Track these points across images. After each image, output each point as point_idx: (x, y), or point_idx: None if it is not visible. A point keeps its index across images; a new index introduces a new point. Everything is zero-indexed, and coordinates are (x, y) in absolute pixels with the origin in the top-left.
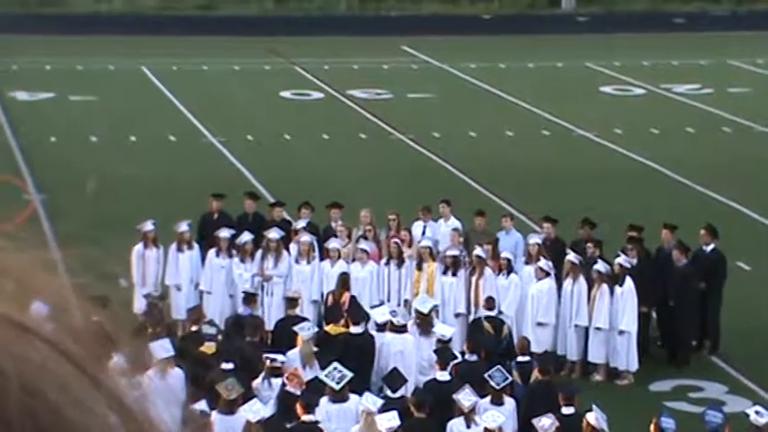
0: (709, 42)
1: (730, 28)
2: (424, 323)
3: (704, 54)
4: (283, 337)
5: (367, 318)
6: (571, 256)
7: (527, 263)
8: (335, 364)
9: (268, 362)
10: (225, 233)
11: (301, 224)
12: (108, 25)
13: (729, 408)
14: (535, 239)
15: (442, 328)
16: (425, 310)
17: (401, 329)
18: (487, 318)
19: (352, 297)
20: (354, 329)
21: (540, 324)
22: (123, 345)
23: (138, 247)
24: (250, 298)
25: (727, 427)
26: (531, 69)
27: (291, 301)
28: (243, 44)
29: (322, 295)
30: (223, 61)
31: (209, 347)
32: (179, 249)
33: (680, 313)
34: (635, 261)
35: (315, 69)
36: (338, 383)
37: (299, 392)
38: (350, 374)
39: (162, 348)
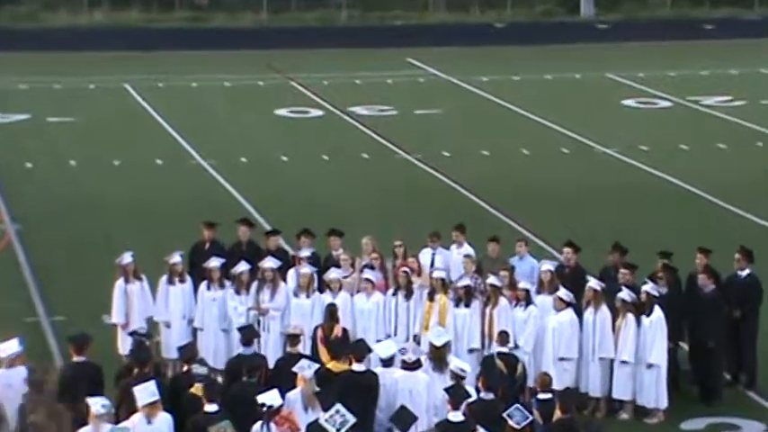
0: (741, 50)
1: (763, 34)
2: (438, 358)
3: (735, 63)
4: (284, 376)
5: (369, 351)
6: (592, 283)
7: (539, 291)
8: (338, 407)
9: (263, 407)
10: (215, 263)
11: (305, 253)
12: (88, 40)
13: None
14: (547, 266)
15: (459, 363)
16: (439, 344)
17: (413, 366)
18: (500, 354)
19: (344, 330)
20: (357, 367)
21: (562, 359)
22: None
23: (120, 282)
24: (247, 335)
25: None
26: (547, 81)
27: (292, 338)
28: (235, 59)
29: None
30: (214, 77)
31: (198, 389)
32: (170, 282)
33: (708, 344)
34: (665, 290)
35: (313, 85)
36: (339, 429)
37: None
38: (353, 419)
39: (147, 392)
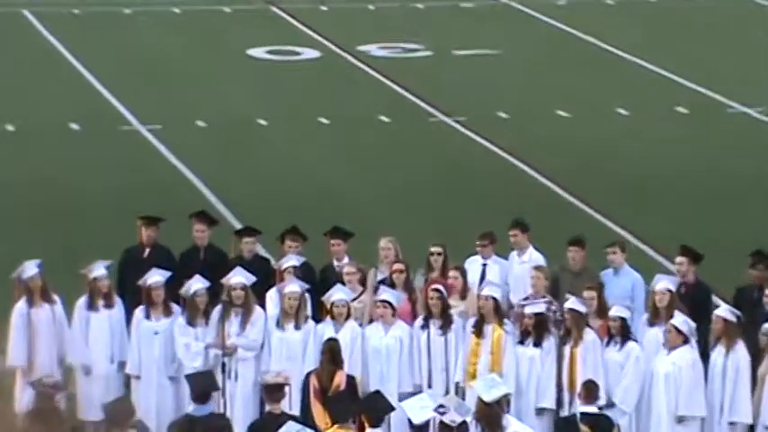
0: None
1: None
2: (489, 419)
3: None
4: None
5: (390, 410)
6: (723, 310)
7: (652, 323)
8: None
9: None
10: (157, 278)
11: (290, 263)
12: None
13: None
14: (666, 284)
15: (521, 428)
16: (491, 399)
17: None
18: (585, 415)
19: (350, 378)
20: None
21: (681, 420)
22: None
23: (21, 305)
24: (202, 385)
25: None
26: (655, 6)
27: (274, 391)
28: None
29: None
30: (157, 1)
31: None
32: (91, 306)
33: None
34: None
35: (306, 12)
36: None
37: None
38: None
39: None
